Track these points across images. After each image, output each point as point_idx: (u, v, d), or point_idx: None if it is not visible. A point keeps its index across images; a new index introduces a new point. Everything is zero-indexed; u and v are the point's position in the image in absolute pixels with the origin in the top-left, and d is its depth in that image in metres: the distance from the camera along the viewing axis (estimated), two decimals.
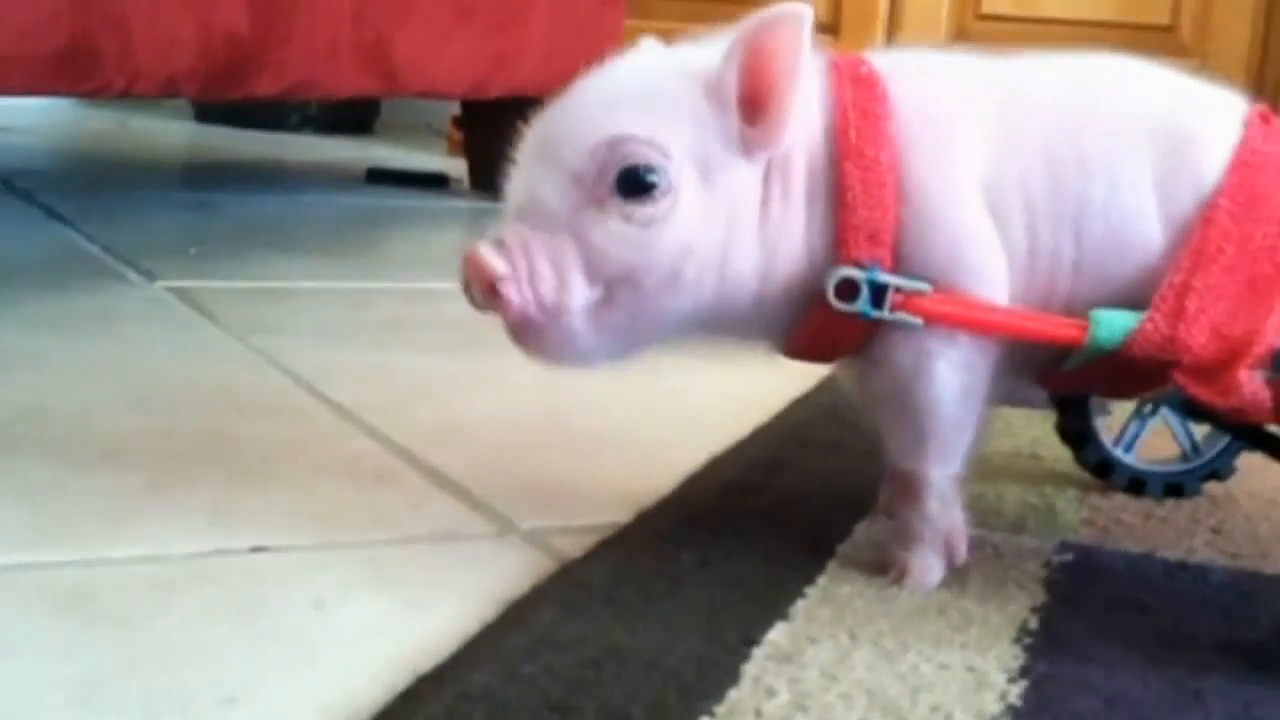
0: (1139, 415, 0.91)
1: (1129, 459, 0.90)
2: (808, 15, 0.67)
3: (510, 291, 0.67)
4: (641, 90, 0.70)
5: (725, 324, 0.72)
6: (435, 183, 2.22)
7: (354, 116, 2.91)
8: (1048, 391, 0.85)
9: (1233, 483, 0.93)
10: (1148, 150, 0.71)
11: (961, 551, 0.73)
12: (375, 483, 0.85)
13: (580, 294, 0.68)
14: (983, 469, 0.90)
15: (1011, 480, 0.90)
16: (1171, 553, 0.80)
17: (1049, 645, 0.66)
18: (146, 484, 0.81)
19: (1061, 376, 0.74)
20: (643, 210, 0.67)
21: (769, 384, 1.12)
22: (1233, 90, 0.75)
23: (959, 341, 0.70)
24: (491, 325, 1.24)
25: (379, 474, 0.86)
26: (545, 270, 0.67)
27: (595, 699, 0.57)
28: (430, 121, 2.90)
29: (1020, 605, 0.71)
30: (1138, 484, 0.90)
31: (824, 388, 1.11)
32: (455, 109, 2.55)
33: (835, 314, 0.69)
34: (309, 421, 0.96)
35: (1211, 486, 0.92)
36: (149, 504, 0.78)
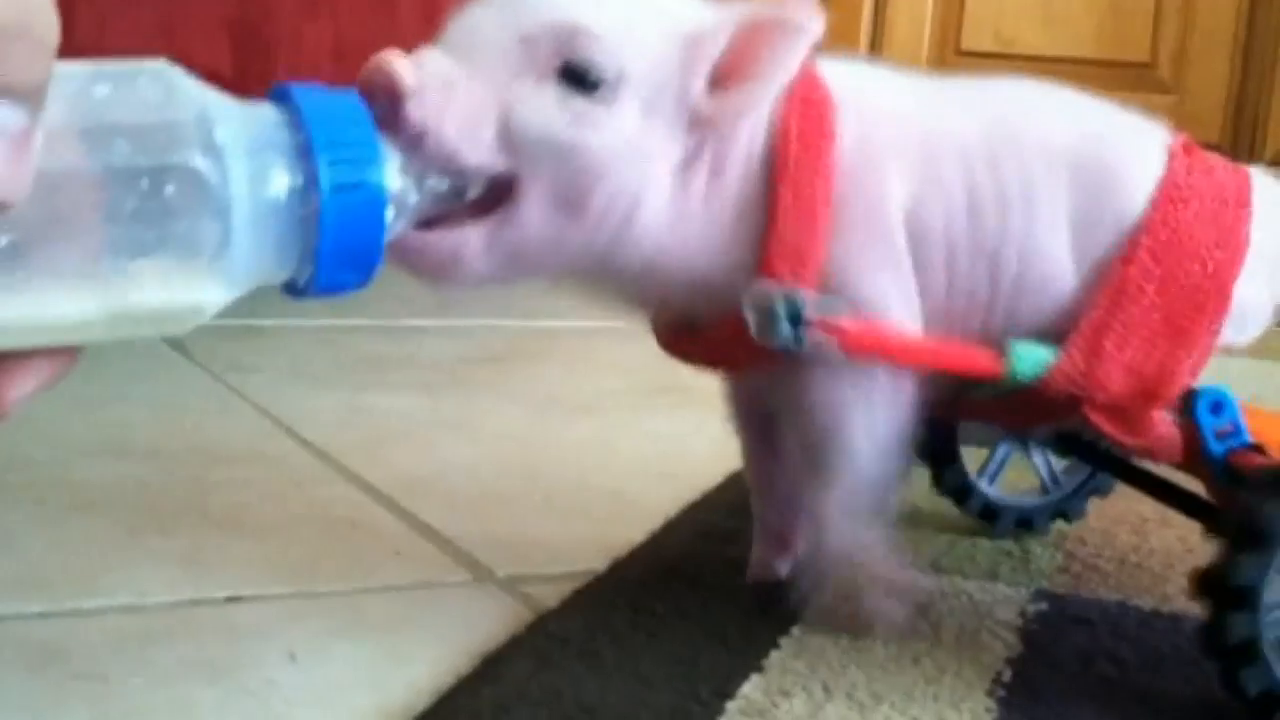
0: (1001, 447, 0.91)
1: (991, 491, 0.90)
2: (816, 30, 0.65)
3: (413, 109, 0.59)
4: (626, 4, 0.66)
5: (604, 276, 0.68)
6: None
7: None
8: (954, 421, 0.85)
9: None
10: (1067, 186, 0.70)
11: (915, 598, 0.73)
12: (351, 529, 0.85)
13: (485, 154, 0.61)
14: (956, 517, 0.91)
15: (985, 529, 0.90)
16: (1145, 601, 0.81)
17: (1023, 697, 0.67)
18: (123, 531, 0.81)
19: (969, 406, 0.74)
20: (577, 103, 0.63)
21: None
22: (1153, 120, 0.74)
23: (876, 387, 0.69)
24: (470, 366, 1.23)
25: (355, 520, 0.87)
26: (458, 111, 0.60)
27: None
28: None
29: (994, 656, 0.71)
30: (990, 514, 0.90)
31: None
32: None
33: (743, 332, 0.67)
34: (285, 465, 0.96)
35: (1187, 532, 0.92)
36: (126, 552, 0.78)
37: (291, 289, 0.50)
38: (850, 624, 0.72)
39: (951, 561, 0.84)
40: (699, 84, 0.66)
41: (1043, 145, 0.71)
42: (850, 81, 0.71)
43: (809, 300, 0.66)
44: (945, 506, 0.92)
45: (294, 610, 0.72)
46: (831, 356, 0.67)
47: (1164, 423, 0.68)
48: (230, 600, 0.73)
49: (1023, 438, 0.90)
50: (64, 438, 0.97)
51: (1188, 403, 0.68)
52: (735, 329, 0.67)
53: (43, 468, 0.91)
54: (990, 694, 0.67)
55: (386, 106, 0.59)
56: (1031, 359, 0.68)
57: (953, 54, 2.45)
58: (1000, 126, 0.71)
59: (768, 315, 0.66)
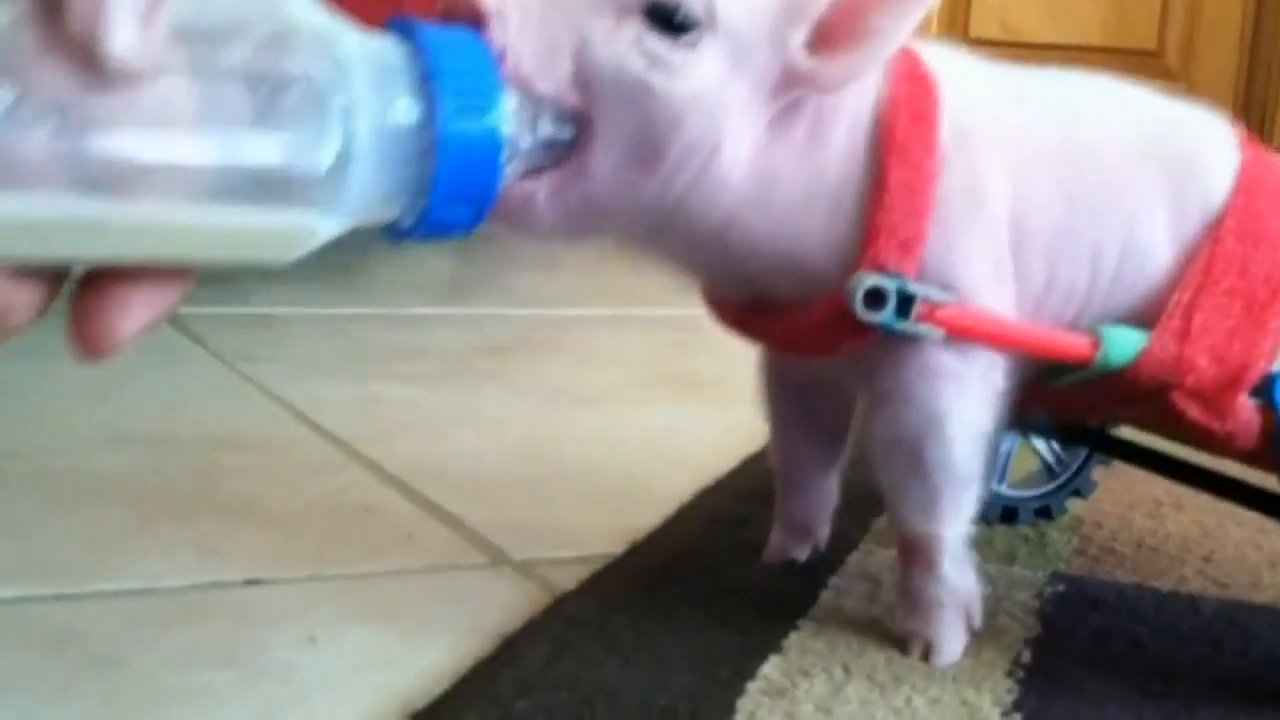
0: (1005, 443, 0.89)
1: (1004, 490, 0.89)
2: None
3: (497, 30, 0.57)
4: None
5: (677, 236, 0.64)
6: None
7: None
8: (1027, 414, 0.81)
9: (1223, 511, 0.93)
10: (1157, 177, 0.69)
11: (978, 615, 0.70)
12: (367, 514, 0.85)
13: (560, 85, 0.58)
14: None
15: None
16: (1163, 583, 0.81)
17: (1042, 678, 0.66)
18: (137, 518, 0.80)
19: (1048, 396, 0.72)
20: (658, 45, 0.59)
21: (755, 416, 1.12)
22: (1214, 111, 0.74)
23: (972, 380, 0.67)
24: (480, 356, 1.23)
25: (370, 505, 0.86)
26: (536, 39, 0.58)
27: None
28: None
29: (1013, 637, 0.71)
30: (1011, 514, 0.89)
31: None
32: None
33: (840, 313, 0.65)
34: (299, 452, 0.96)
35: (1202, 515, 0.92)
36: (141, 538, 0.78)
37: (395, 232, 0.48)
38: (912, 646, 0.69)
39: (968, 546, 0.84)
40: (798, 39, 0.62)
41: (1128, 139, 0.70)
42: (942, 62, 0.68)
43: (918, 286, 0.64)
44: None
45: (310, 594, 0.72)
46: (933, 340, 0.65)
47: (1246, 408, 0.67)
48: (247, 584, 0.72)
49: (1023, 429, 0.89)
50: (73, 426, 0.97)
51: (1266, 386, 0.67)
52: (827, 310, 0.65)
53: (52, 456, 0.91)
54: (1010, 674, 0.67)
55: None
56: (1124, 343, 0.67)
57: (961, 41, 2.46)
58: (1085, 122, 0.70)
59: (876, 299, 0.64)
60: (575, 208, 0.60)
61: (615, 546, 0.80)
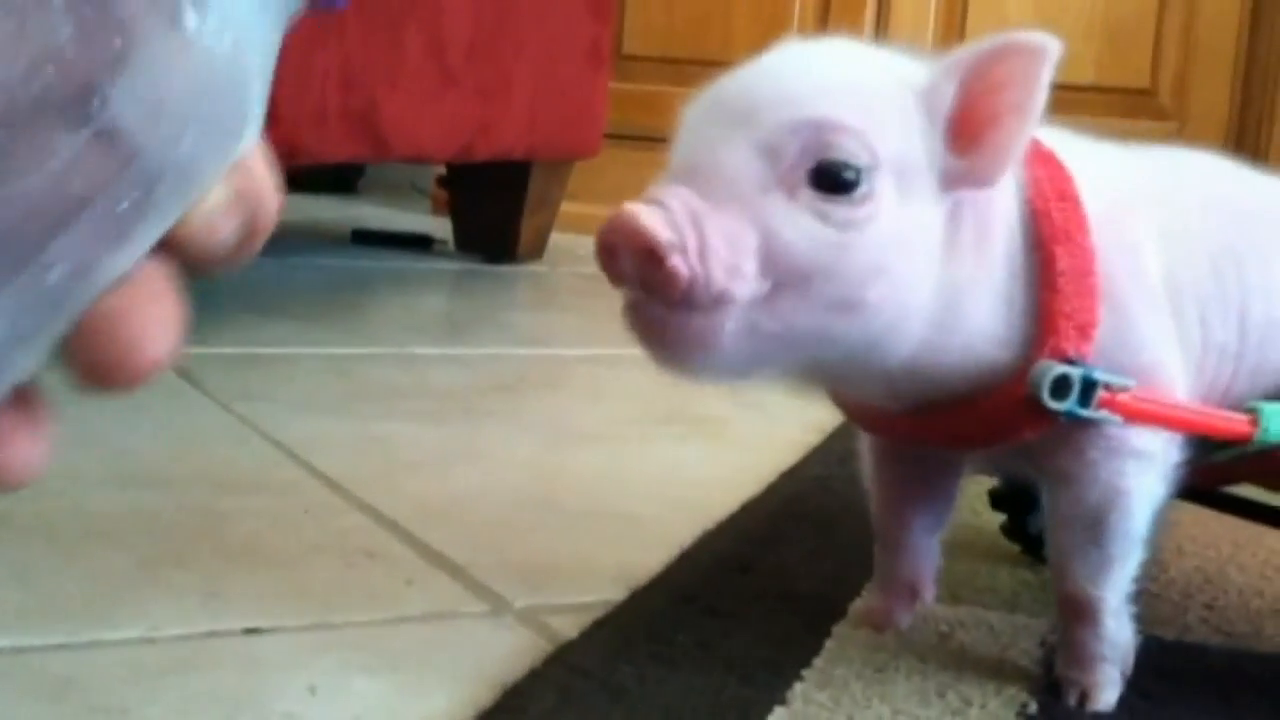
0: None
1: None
2: (1053, 51, 0.60)
3: (679, 264, 0.56)
4: (853, 79, 0.62)
5: (859, 369, 0.64)
6: (420, 244, 2.23)
7: (338, 176, 2.92)
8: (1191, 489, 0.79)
9: (1224, 557, 0.93)
10: None
11: (1131, 661, 0.71)
12: (367, 559, 0.84)
13: (750, 285, 0.58)
14: (976, 545, 0.90)
15: (1004, 557, 0.90)
16: (1166, 630, 0.80)
17: None
18: (137, 563, 0.80)
19: (1210, 471, 0.73)
20: (839, 210, 0.58)
21: (758, 457, 1.12)
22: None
23: (1154, 457, 0.67)
24: (481, 395, 1.23)
25: (370, 550, 0.86)
26: (719, 248, 0.57)
27: None
28: (414, 181, 2.92)
29: (1018, 687, 0.70)
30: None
31: (813, 460, 1.11)
32: (439, 168, 2.56)
33: (1018, 403, 0.64)
34: (298, 495, 0.95)
35: (1203, 562, 0.92)
36: (140, 584, 0.77)
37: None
38: (1070, 692, 0.69)
39: (971, 591, 0.83)
40: (939, 140, 0.61)
41: (1254, 204, 0.73)
42: (1052, 140, 0.68)
43: (1101, 373, 0.64)
44: (961, 535, 0.91)
45: (312, 642, 0.71)
46: (1111, 425, 0.65)
47: None
48: (248, 632, 0.72)
49: None
50: (72, 468, 0.96)
51: None
52: (1004, 401, 0.64)
53: (53, 498, 0.90)
54: None
55: (642, 265, 0.57)
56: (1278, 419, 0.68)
57: None
58: (1216, 180, 0.74)
59: (1061, 389, 0.63)
60: (763, 345, 0.59)
61: (617, 591, 0.80)
